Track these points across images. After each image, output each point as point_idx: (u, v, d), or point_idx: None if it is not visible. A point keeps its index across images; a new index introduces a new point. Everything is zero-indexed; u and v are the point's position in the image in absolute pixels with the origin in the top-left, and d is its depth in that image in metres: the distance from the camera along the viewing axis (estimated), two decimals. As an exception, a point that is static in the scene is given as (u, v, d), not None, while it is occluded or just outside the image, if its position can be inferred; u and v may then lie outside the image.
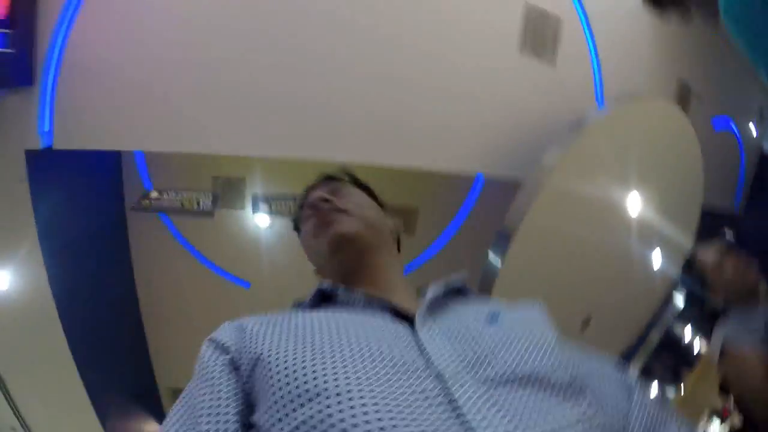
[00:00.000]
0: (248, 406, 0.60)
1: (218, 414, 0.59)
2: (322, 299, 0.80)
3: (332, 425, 0.48)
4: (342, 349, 0.58)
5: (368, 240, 0.86)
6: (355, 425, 0.47)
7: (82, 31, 2.81)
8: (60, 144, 2.97)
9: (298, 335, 0.63)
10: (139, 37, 2.91)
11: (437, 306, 0.73)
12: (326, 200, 0.90)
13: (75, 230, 3.49)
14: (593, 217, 4.60)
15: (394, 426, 0.47)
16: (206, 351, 0.69)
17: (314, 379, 0.54)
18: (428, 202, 5.19)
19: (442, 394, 0.53)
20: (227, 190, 4.46)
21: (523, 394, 0.55)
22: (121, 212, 4.03)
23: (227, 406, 0.60)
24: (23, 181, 3.03)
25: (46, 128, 2.90)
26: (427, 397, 0.52)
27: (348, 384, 0.52)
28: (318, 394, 0.52)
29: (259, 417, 0.56)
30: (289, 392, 0.54)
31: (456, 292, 0.80)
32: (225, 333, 0.70)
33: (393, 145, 3.53)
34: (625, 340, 6.79)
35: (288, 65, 3.13)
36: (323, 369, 0.55)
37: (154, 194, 4.10)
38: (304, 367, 0.56)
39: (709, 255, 1.65)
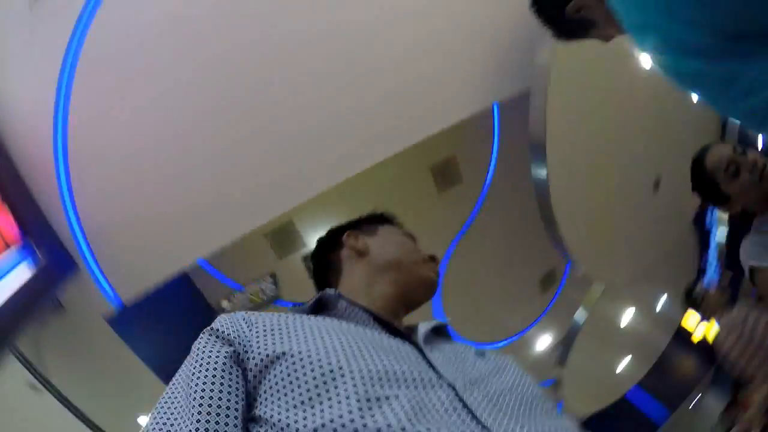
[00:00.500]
0: (250, 399, 0.61)
1: (228, 408, 0.58)
2: (319, 307, 0.82)
3: (365, 425, 0.52)
4: (364, 357, 0.61)
5: None
6: (389, 425, 0.52)
7: (89, 197, 2.92)
8: (128, 296, 3.17)
9: (324, 338, 0.64)
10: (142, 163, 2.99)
11: (430, 338, 0.78)
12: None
13: (176, 352, 3.72)
14: (612, 87, 4.44)
15: (428, 429, 0.52)
16: (207, 342, 0.67)
17: (350, 380, 0.57)
18: (462, 149, 5.20)
19: (457, 400, 0.59)
20: (281, 239, 4.59)
21: (522, 406, 0.64)
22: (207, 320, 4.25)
23: (235, 399, 0.59)
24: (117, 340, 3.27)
25: (110, 293, 3.09)
26: (443, 404, 0.58)
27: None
28: (348, 396, 0.55)
29: (276, 412, 0.56)
30: (321, 392, 0.56)
31: (438, 333, 0.84)
32: (227, 324, 0.69)
33: (405, 127, 3.52)
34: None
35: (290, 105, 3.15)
36: (360, 372, 0.58)
37: (225, 303, 4.28)
38: (340, 368, 0.58)
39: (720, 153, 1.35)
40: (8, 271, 2.47)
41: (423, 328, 0.79)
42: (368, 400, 0.55)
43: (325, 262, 0.99)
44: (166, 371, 3.58)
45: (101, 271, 3.05)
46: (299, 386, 0.57)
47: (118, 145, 2.99)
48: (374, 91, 3.37)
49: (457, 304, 6.08)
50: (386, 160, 3.52)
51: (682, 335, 9.09)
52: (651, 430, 9.47)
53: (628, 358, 9.11)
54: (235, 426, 0.57)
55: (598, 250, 5.65)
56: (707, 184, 1.36)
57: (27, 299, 2.56)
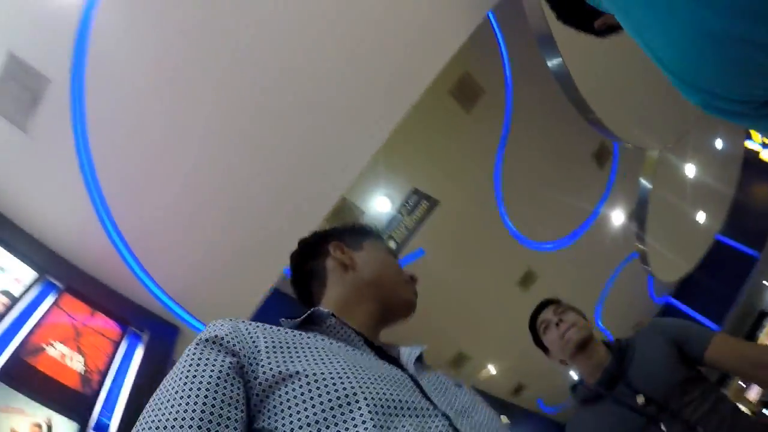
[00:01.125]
0: (253, 411, 0.62)
1: (229, 419, 0.58)
2: (308, 320, 0.83)
3: None
4: (375, 383, 0.64)
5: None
6: None
7: (164, 268, 3.12)
8: None
9: (333, 360, 0.66)
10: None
11: (417, 365, 0.81)
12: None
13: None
14: None
15: None
16: (206, 349, 0.66)
17: (365, 406, 0.59)
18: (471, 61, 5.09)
19: (452, 430, 0.63)
20: (342, 217, 4.62)
21: None
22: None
23: (236, 410, 0.60)
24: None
25: None
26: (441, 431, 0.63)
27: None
28: (365, 422, 0.58)
29: (288, 428, 0.58)
30: (336, 414, 0.59)
31: (419, 359, 0.85)
32: (229, 334, 0.68)
33: (416, 69, 3.49)
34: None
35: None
36: (372, 399, 0.61)
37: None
38: (354, 393, 0.61)
39: None
40: (128, 359, 2.66)
41: (407, 353, 0.82)
42: (381, 427, 0.58)
43: (308, 269, 0.99)
44: None
45: (200, 322, 3.28)
46: (314, 405, 0.59)
47: (163, 198, 3.13)
48: (375, 47, 3.31)
49: (523, 211, 6.14)
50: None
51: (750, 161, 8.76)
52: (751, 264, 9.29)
53: (703, 211, 8.90)
54: None
55: (636, 120, 5.46)
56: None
57: (148, 374, 2.73)
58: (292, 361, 0.65)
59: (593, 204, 7.15)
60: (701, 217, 8.89)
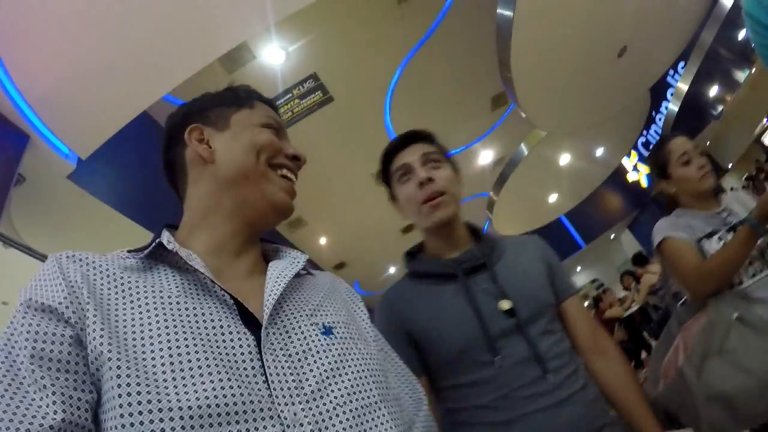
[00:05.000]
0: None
1: (80, 400, 0.50)
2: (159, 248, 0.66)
3: None
4: (193, 377, 0.53)
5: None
6: None
7: (25, 65, 2.69)
8: (85, 152, 3.18)
9: (153, 340, 0.55)
10: None
11: (282, 300, 0.70)
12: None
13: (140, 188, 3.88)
14: None
15: None
16: (45, 322, 0.53)
17: (179, 419, 0.49)
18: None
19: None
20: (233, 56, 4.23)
21: (353, 421, 0.60)
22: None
23: (86, 392, 0.51)
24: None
25: (66, 152, 3.09)
26: None
27: None
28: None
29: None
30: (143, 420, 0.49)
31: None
32: (57, 295, 0.56)
33: None
34: (670, 54, 6.45)
35: None
36: (188, 406, 0.51)
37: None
38: (165, 397, 0.50)
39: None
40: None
41: (276, 274, 0.68)
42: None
43: (170, 159, 0.76)
44: (132, 208, 3.75)
45: (53, 134, 3.00)
46: (121, 405, 0.49)
47: (44, 11, 2.68)
48: None
49: (406, 113, 6.21)
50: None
51: (617, 174, 9.87)
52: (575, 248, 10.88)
53: (557, 195, 9.88)
54: (92, 423, 0.51)
55: (546, 100, 5.70)
56: (660, 159, 1.60)
57: None
58: (110, 336, 0.53)
59: (472, 137, 7.51)
60: (553, 197, 9.99)
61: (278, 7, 3.17)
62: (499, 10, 4.37)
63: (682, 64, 6.82)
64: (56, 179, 3.17)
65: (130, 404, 0.49)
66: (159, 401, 0.49)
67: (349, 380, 0.62)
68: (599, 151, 8.91)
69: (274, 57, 4.65)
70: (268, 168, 0.72)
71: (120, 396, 0.49)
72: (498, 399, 1.01)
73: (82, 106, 3.02)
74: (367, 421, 0.61)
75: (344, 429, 0.57)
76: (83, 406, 0.50)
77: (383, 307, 1.16)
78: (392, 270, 9.84)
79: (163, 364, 0.52)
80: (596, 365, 1.10)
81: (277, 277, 0.67)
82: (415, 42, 5.64)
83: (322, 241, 8.17)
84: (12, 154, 2.86)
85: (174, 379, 0.51)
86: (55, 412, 0.48)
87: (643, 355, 5.85)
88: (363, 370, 0.65)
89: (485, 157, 7.99)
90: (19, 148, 2.91)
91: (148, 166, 3.73)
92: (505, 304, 1.05)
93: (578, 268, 13.67)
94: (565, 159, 8.48)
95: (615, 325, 6.17)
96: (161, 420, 0.48)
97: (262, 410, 0.53)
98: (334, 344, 0.65)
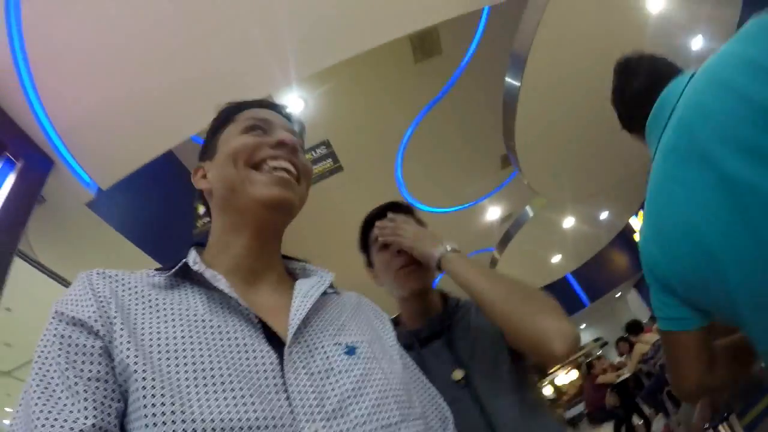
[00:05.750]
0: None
1: (111, 407, 0.52)
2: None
3: None
4: (216, 394, 0.54)
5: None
6: None
7: (56, 93, 2.82)
8: (107, 183, 3.29)
9: (178, 360, 0.56)
10: None
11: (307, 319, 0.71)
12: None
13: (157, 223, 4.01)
14: (612, 28, 4.21)
15: None
16: (75, 333, 0.56)
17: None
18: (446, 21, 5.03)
19: None
20: None
21: None
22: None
23: (116, 400, 0.53)
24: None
25: (87, 180, 3.21)
26: None
27: None
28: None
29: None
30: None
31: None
32: (87, 309, 0.58)
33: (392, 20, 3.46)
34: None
35: None
36: (202, 423, 0.52)
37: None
38: (183, 412, 0.51)
39: None
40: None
41: (304, 293, 0.69)
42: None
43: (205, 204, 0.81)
44: (146, 241, 3.85)
45: (77, 162, 3.12)
46: (146, 416, 0.50)
47: (81, 33, 2.83)
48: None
49: (419, 169, 6.38)
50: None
51: (624, 233, 9.92)
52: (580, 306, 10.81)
53: (560, 255, 9.95)
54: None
55: (548, 170, 5.84)
56: None
57: (15, 204, 2.72)
58: (137, 349, 0.55)
59: (481, 193, 7.68)
60: (556, 258, 10.05)
61: (302, 66, 3.36)
62: (507, 79, 4.58)
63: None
64: (75, 205, 3.29)
65: (154, 414, 0.50)
66: (183, 412, 0.50)
67: (370, 400, 0.62)
68: (604, 215, 9.01)
69: (294, 106, 4.90)
70: (250, 170, 0.71)
71: (145, 407, 0.51)
72: None
73: (108, 138, 3.15)
74: None
75: None
76: (113, 413, 0.52)
77: None
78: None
79: (187, 378, 0.53)
80: None
81: (304, 296, 0.68)
82: (429, 100, 5.85)
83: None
84: (36, 176, 2.97)
85: (197, 393, 0.52)
86: (86, 417, 0.50)
87: (637, 420, 5.84)
88: (385, 390, 0.64)
89: (493, 213, 8.14)
90: (43, 172, 3.02)
91: (166, 201, 3.85)
92: (458, 374, 1.02)
93: (582, 326, 13.54)
94: (569, 222, 8.59)
95: (606, 391, 6.13)
96: (184, 431, 0.49)
97: (283, 426, 0.54)
98: (356, 364, 0.65)
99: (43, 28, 2.68)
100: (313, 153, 3.77)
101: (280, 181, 0.70)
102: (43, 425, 0.49)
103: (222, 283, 0.63)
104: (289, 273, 0.78)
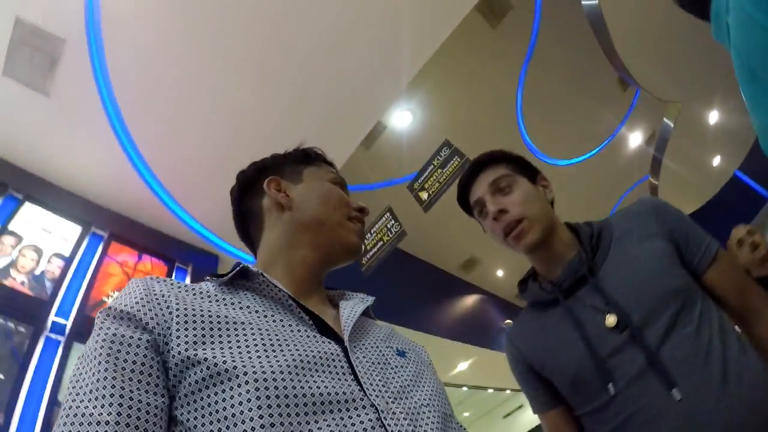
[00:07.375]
0: (171, 394, 0.57)
1: (149, 404, 0.54)
2: (240, 274, 0.74)
3: None
4: (291, 374, 0.58)
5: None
6: None
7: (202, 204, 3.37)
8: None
9: (248, 341, 0.61)
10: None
11: (356, 328, 0.76)
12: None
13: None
14: None
15: None
16: (116, 325, 0.59)
17: (276, 407, 0.54)
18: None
19: (378, 425, 0.58)
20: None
21: (438, 424, 0.66)
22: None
23: (158, 395, 0.56)
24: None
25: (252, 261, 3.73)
26: (365, 431, 0.57)
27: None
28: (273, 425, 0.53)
29: (192, 424, 0.54)
30: (243, 410, 0.53)
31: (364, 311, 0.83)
32: (143, 308, 0.61)
33: None
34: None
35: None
36: (285, 397, 0.55)
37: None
38: (266, 388, 0.55)
39: None
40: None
41: (349, 310, 0.76)
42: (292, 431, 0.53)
43: (245, 209, 0.88)
44: None
45: (238, 249, 3.56)
46: (216, 402, 0.54)
47: (195, 150, 3.27)
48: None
49: (544, 126, 6.18)
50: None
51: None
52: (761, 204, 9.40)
53: (719, 156, 8.95)
54: (160, 427, 0.54)
55: (663, 72, 5.41)
56: None
57: None
58: (204, 342, 0.58)
59: (614, 124, 7.20)
60: (716, 160, 8.91)
61: (409, 67, 3.52)
62: (583, 2, 4.34)
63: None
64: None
65: (239, 394, 0.54)
66: (267, 388, 0.54)
67: (427, 391, 0.69)
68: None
69: (402, 120, 5.00)
70: (344, 218, 0.83)
71: (240, 394, 0.54)
72: (616, 428, 0.90)
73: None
74: (449, 429, 0.67)
75: (433, 423, 0.64)
76: (144, 408, 0.54)
77: (506, 343, 1.14)
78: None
79: (259, 356, 0.58)
80: (758, 331, 0.92)
81: (352, 307, 0.77)
82: (523, 56, 5.68)
83: (500, 273, 8.16)
84: (209, 270, 3.40)
85: (272, 367, 0.57)
86: (110, 413, 0.52)
87: None
88: (436, 390, 0.72)
89: (634, 139, 7.61)
90: (212, 267, 3.51)
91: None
92: (611, 319, 0.92)
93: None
94: (714, 117, 7.77)
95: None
96: (287, 406, 0.54)
97: (355, 400, 0.58)
98: (408, 365, 0.73)
99: (159, 148, 3.09)
100: (438, 157, 3.82)
101: (361, 235, 0.85)
102: (72, 423, 0.52)
103: (278, 284, 0.71)
104: (329, 299, 0.84)
